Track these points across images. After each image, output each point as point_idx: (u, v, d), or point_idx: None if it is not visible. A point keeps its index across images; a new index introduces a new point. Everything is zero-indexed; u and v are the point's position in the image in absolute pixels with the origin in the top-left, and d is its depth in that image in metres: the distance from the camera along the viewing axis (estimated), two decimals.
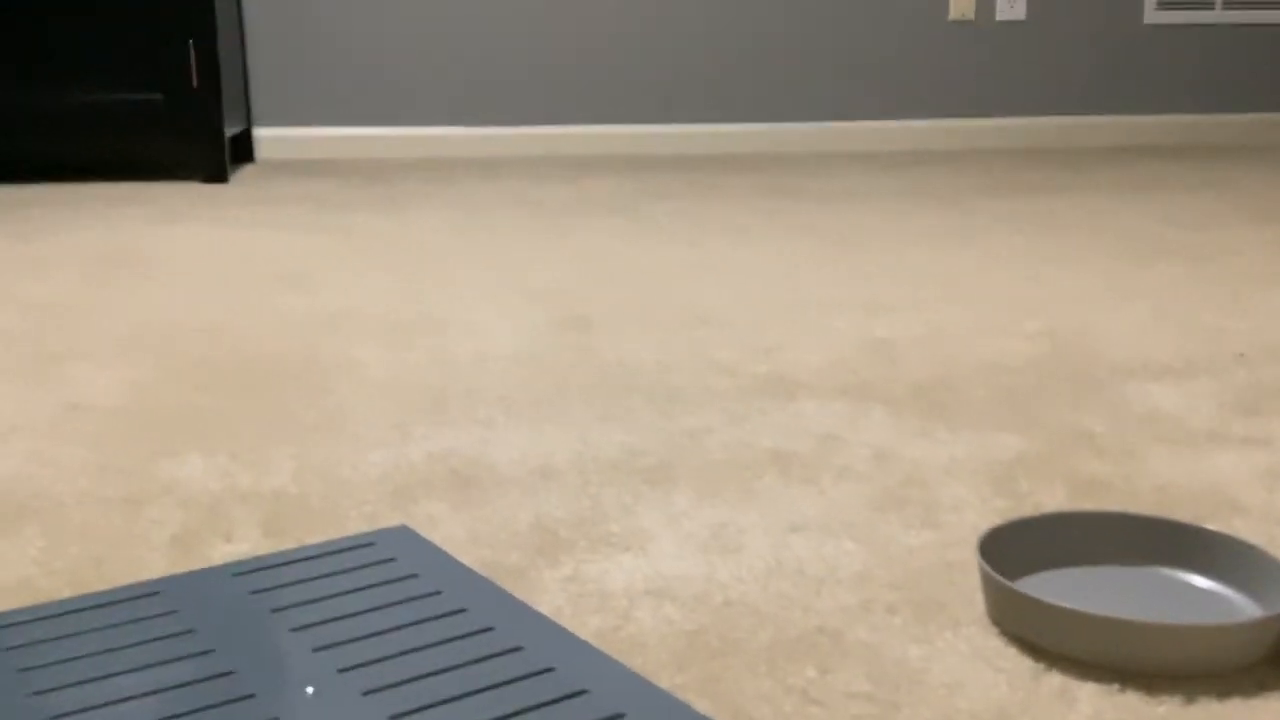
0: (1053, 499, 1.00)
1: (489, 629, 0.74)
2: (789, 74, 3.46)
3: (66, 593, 0.82)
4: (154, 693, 0.67)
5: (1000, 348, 1.46)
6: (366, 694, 0.67)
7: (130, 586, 0.80)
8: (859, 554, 0.89)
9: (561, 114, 3.40)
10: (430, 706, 0.66)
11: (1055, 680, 0.72)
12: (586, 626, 0.78)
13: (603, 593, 0.83)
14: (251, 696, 0.67)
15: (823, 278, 1.86)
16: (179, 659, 0.71)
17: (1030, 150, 3.49)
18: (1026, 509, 0.97)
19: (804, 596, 0.83)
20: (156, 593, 0.79)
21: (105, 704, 0.66)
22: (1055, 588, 0.82)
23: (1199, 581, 0.82)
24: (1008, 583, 0.76)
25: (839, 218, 2.39)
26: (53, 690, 0.67)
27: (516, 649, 0.72)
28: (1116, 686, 0.71)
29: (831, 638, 0.77)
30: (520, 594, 0.83)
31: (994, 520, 0.95)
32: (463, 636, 0.73)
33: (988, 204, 2.55)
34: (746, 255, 2.03)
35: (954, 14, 3.48)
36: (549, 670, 0.69)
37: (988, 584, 0.78)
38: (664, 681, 0.71)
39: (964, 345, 1.47)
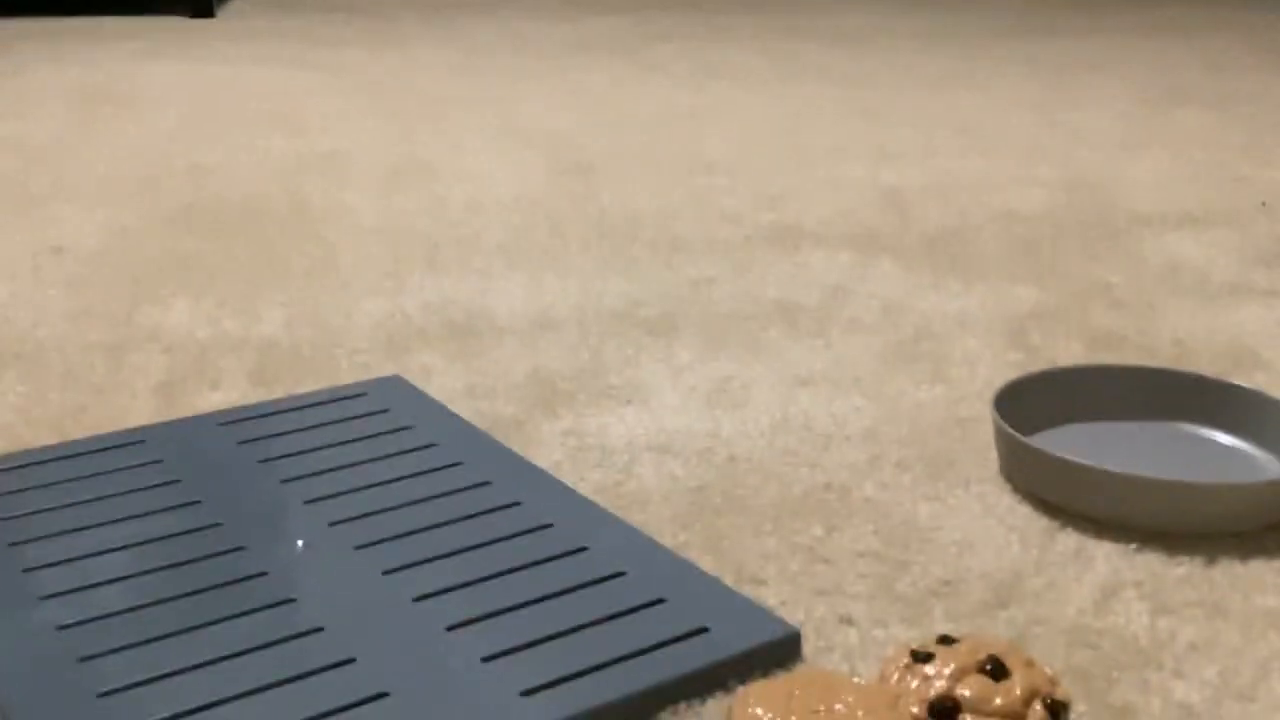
0: (1068, 353, 0.96)
1: (486, 483, 0.72)
2: None
3: (47, 440, 0.80)
4: (138, 544, 0.65)
5: (1014, 196, 1.41)
6: (358, 548, 0.65)
7: (113, 434, 0.77)
8: (868, 409, 0.87)
9: None
10: (424, 561, 0.63)
11: (1071, 539, 0.69)
12: (586, 482, 0.76)
13: (603, 447, 0.80)
14: (240, 549, 0.64)
15: (831, 123, 1.79)
16: (164, 509, 0.68)
17: None
18: (1041, 363, 0.94)
19: (811, 453, 0.80)
20: (141, 441, 0.76)
21: (86, 555, 0.63)
22: (1071, 443, 0.79)
23: (1221, 438, 0.80)
24: (1022, 438, 0.73)
25: (848, 60, 2.30)
26: (31, 540, 0.65)
27: (514, 504, 0.69)
28: (1134, 546, 0.69)
29: (839, 495, 0.75)
30: (518, 448, 0.80)
31: (1008, 375, 0.92)
32: (458, 491, 0.71)
33: (1002, 47, 2.46)
34: (752, 99, 1.95)
35: None
36: (547, 526, 0.67)
37: (1001, 439, 0.76)
38: (666, 539, 0.69)
39: (977, 194, 1.42)
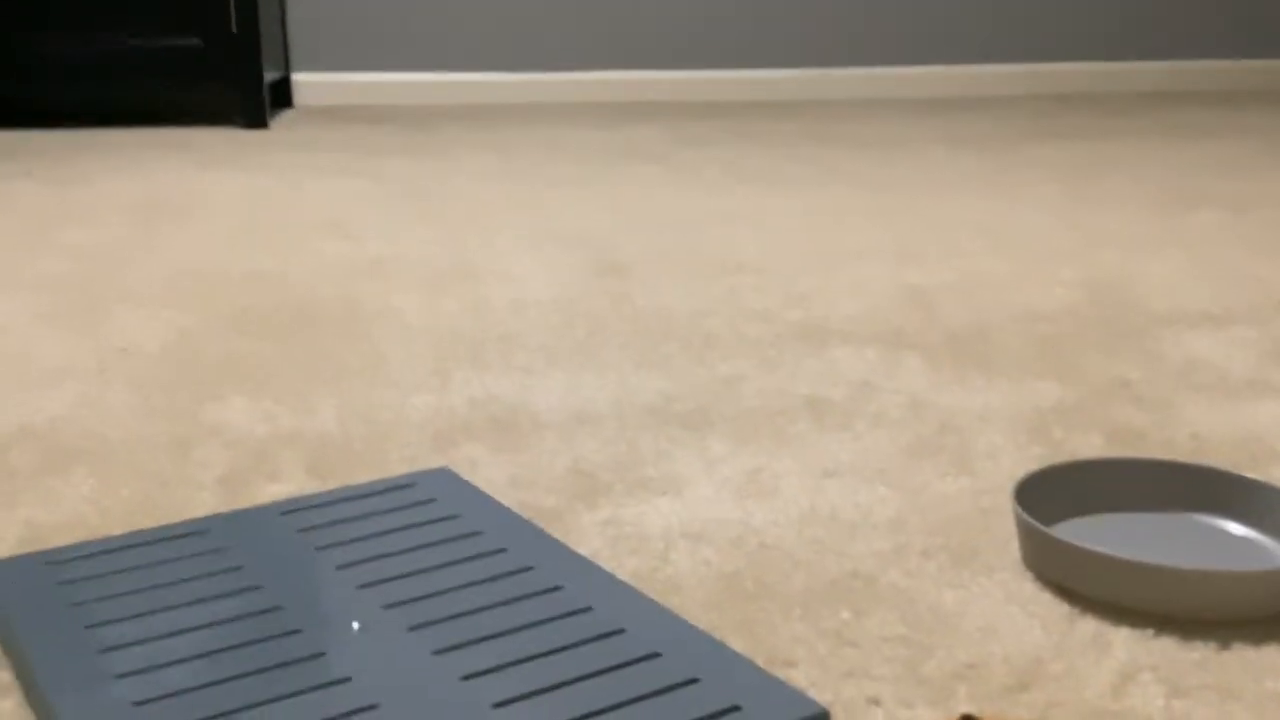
0: (1089, 447, 1.00)
1: (529, 568, 0.76)
2: (824, 17, 3.42)
3: (117, 531, 0.84)
4: (204, 627, 0.69)
5: (1036, 295, 1.46)
6: (412, 629, 0.69)
7: (179, 524, 0.82)
8: (893, 500, 0.90)
9: (599, 59, 3.39)
10: (473, 642, 0.67)
11: (1090, 625, 0.72)
12: (624, 568, 0.80)
13: (640, 535, 0.84)
14: (299, 631, 0.69)
15: (858, 225, 1.85)
16: (228, 594, 0.73)
17: (1066, 96, 3.44)
18: (1062, 456, 0.98)
19: (838, 541, 0.84)
20: (205, 530, 0.81)
21: (157, 637, 0.68)
22: (1090, 534, 0.82)
23: (1235, 528, 0.83)
24: (1043, 528, 0.76)
25: (874, 164, 2.37)
26: (107, 623, 0.69)
27: (556, 588, 0.73)
28: (1151, 632, 0.72)
29: (865, 582, 0.78)
30: (559, 536, 0.84)
31: (1029, 467, 0.96)
32: (503, 575, 0.75)
33: (1024, 150, 2.53)
34: (781, 202, 2.02)
35: None
36: (587, 609, 0.71)
37: (1023, 529, 0.79)
38: (700, 622, 0.73)
39: (1000, 293, 1.47)
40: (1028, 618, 0.73)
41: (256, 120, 2.89)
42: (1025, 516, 0.78)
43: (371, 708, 0.61)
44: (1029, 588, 0.77)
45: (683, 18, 3.38)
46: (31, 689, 0.65)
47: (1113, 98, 3.41)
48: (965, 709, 0.64)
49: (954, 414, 1.07)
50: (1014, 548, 0.82)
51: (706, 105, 3.30)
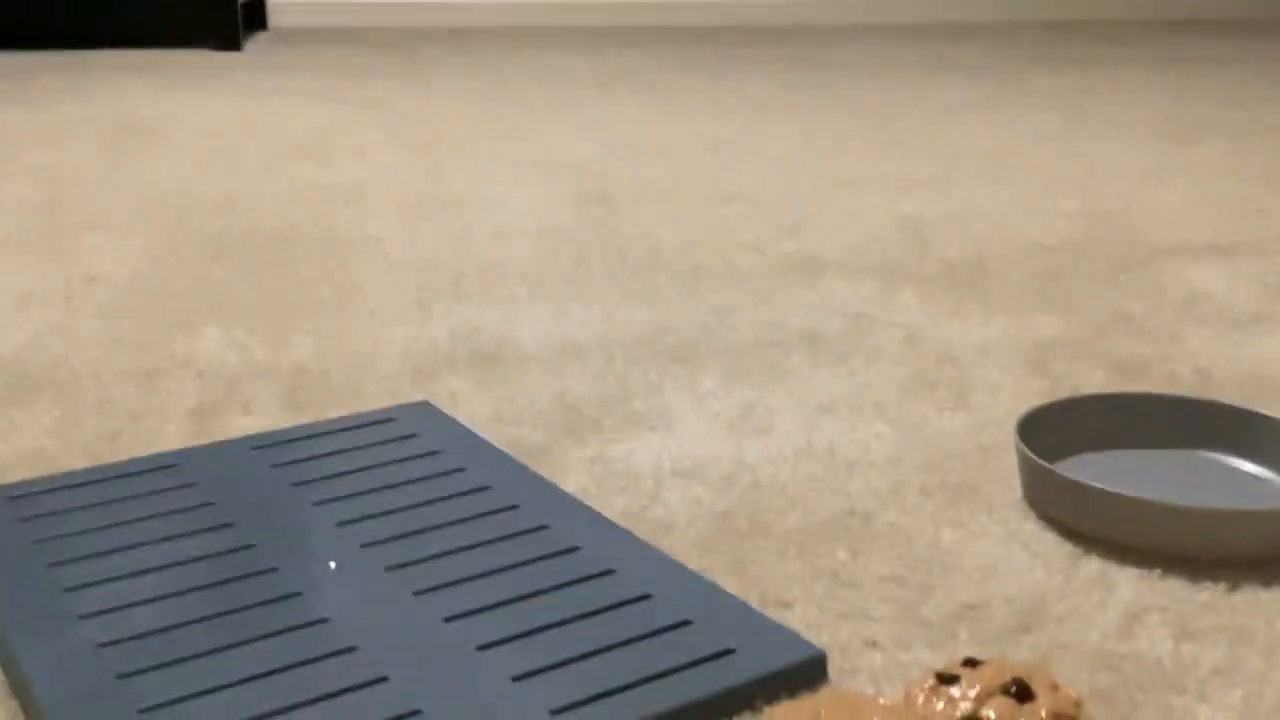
0: (1091, 381, 0.97)
1: (513, 506, 0.73)
2: None
3: (82, 464, 0.81)
4: (172, 565, 0.66)
5: (1035, 226, 1.42)
6: (390, 569, 0.66)
7: (148, 458, 0.79)
8: (890, 436, 0.87)
9: None
10: (455, 583, 0.64)
11: (1094, 565, 0.70)
12: (612, 507, 0.77)
13: (629, 472, 0.81)
14: (274, 570, 0.65)
15: (851, 154, 1.80)
16: (198, 531, 0.69)
17: (1064, 23, 3.37)
18: (1063, 391, 0.95)
19: (834, 479, 0.81)
20: (175, 465, 0.78)
21: (123, 576, 0.65)
22: (1094, 471, 0.79)
23: (1244, 465, 0.80)
24: (1045, 464, 0.74)
25: (867, 92, 2.32)
26: (70, 561, 0.66)
27: (542, 527, 0.70)
28: (1158, 572, 0.69)
29: (862, 520, 0.75)
30: (545, 473, 0.81)
31: (1030, 403, 0.93)
32: (487, 514, 0.72)
33: (1022, 78, 2.47)
34: (772, 130, 1.97)
35: None
36: (575, 549, 0.68)
37: (1025, 466, 0.76)
38: (691, 563, 0.70)
39: (998, 224, 1.43)
40: (1030, 557, 0.71)
41: (229, 42, 2.81)
42: (1028, 452, 0.75)
43: (350, 650, 0.59)
44: (1031, 526, 0.74)
45: None
46: None
47: (1110, 25, 3.35)
48: (966, 653, 0.62)
49: (952, 348, 1.04)
50: (1015, 485, 0.80)
51: (695, 30, 3.22)
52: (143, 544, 0.68)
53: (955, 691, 0.54)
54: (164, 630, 0.60)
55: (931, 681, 0.55)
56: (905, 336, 1.07)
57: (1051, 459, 0.80)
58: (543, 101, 2.22)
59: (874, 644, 0.62)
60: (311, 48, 2.87)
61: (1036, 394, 0.94)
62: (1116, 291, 1.19)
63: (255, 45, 2.93)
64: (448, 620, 0.61)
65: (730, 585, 0.68)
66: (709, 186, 1.60)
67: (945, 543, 0.73)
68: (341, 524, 0.71)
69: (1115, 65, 2.67)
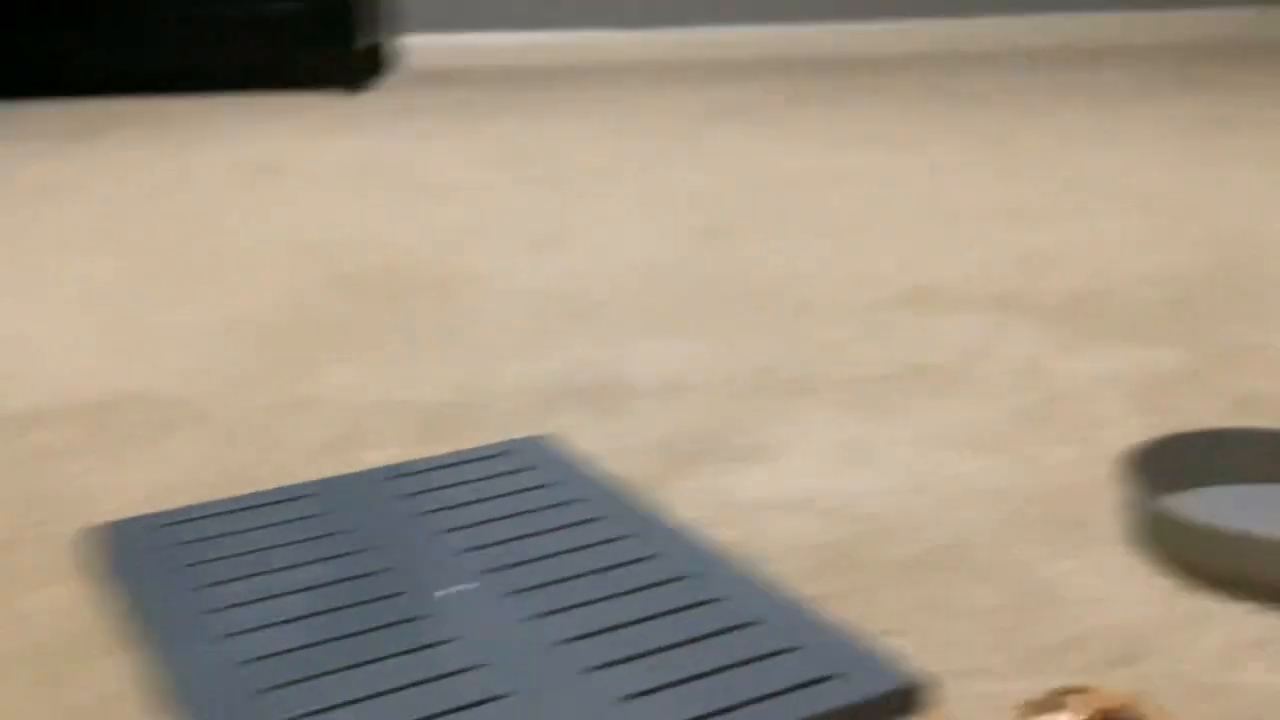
0: (1211, 414, 0.96)
1: (625, 536, 0.76)
2: None
3: (229, 493, 0.87)
4: (310, 588, 0.71)
5: (1160, 256, 1.41)
6: (509, 594, 0.69)
7: (288, 488, 0.84)
8: (999, 469, 0.88)
9: (707, 14, 3.35)
10: (569, 609, 0.68)
11: (1198, 599, 0.70)
12: (720, 537, 0.79)
13: (736, 504, 0.84)
14: (402, 594, 0.70)
15: (969, 183, 1.80)
16: (333, 557, 0.74)
17: (1196, 46, 3.30)
18: (1182, 425, 0.94)
19: (941, 511, 0.82)
20: (313, 494, 0.83)
21: (264, 598, 0.70)
22: (1207, 505, 0.79)
23: None
24: (1149, 498, 0.74)
25: (989, 120, 2.31)
26: (216, 584, 0.71)
27: (651, 556, 0.73)
28: (1261, 606, 0.69)
29: (968, 552, 0.77)
30: (654, 504, 0.84)
31: (1145, 436, 0.93)
32: (599, 543, 0.75)
33: (1152, 103, 2.44)
34: (889, 160, 1.98)
35: None
36: (683, 578, 0.71)
37: (1131, 500, 0.77)
38: (798, 592, 0.72)
39: (1119, 254, 1.42)
40: (1134, 590, 0.71)
41: (357, 84, 2.93)
42: (1134, 487, 0.76)
43: (471, 669, 0.62)
44: (1136, 560, 0.75)
45: None
46: (146, 646, 0.67)
47: (1241, 48, 3.27)
48: (1062, 682, 0.63)
49: (1067, 380, 1.05)
50: (1122, 520, 0.80)
51: (816, 61, 3.24)
52: (284, 568, 0.73)
53: (1063, 718, 0.55)
54: (302, 648, 0.65)
55: (1037, 710, 0.56)
56: (1019, 369, 1.08)
57: (1164, 493, 0.80)
58: (664, 136, 2.27)
59: (978, 673, 0.64)
60: (437, 88, 2.98)
61: (1152, 427, 0.94)
62: (1241, 323, 1.18)
63: (382, 87, 3.05)
64: (561, 643, 0.64)
65: (835, 614, 0.70)
66: (825, 218, 1.62)
67: (1050, 575, 0.73)
68: (465, 551, 0.75)
69: (1238, 90, 2.61)
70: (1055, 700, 0.56)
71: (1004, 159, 1.98)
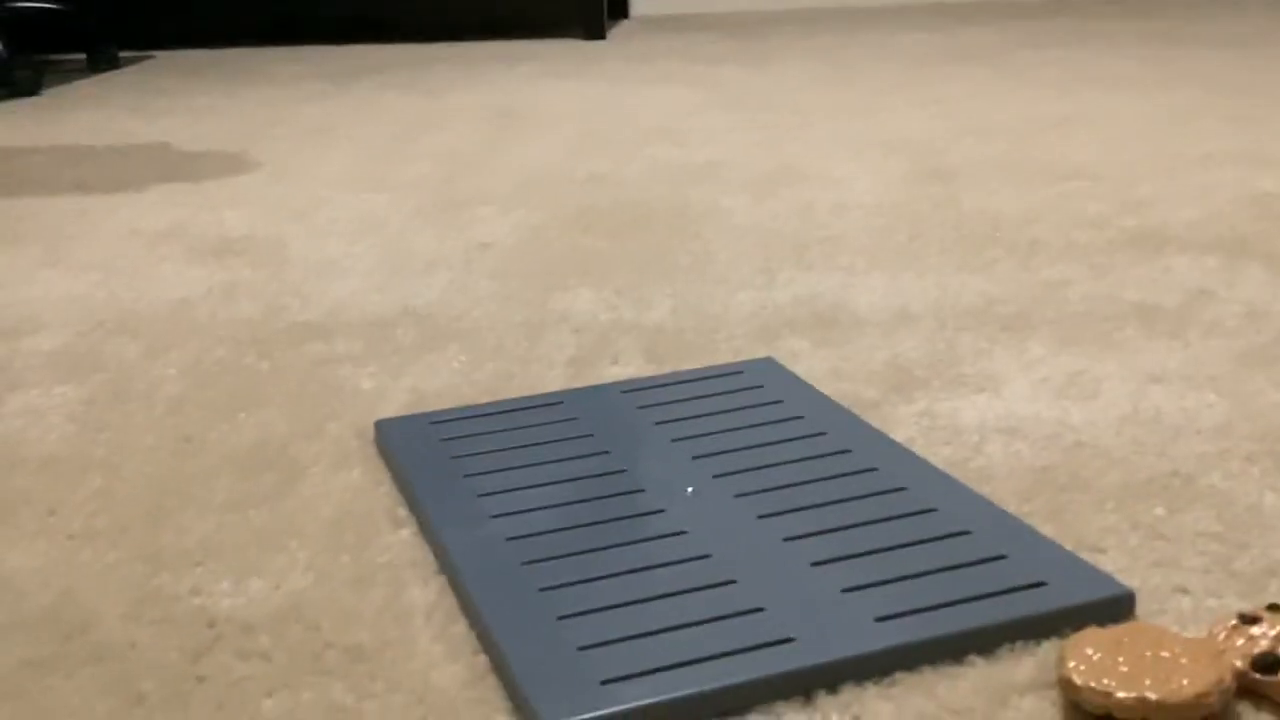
0: None
1: (847, 450, 0.82)
2: None
3: (485, 399, 0.97)
4: (561, 482, 0.79)
5: None
6: (738, 496, 0.76)
7: (537, 396, 0.93)
8: (1220, 406, 0.89)
9: None
10: (793, 510, 0.74)
11: None
12: (937, 456, 0.84)
13: (955, 427, 0.88)
14: (641, 491, 0.78)
15: (1207, 129, 1.75)
16: (579, 457, 0.83)
17: None
18: None
19: (1159, 442, 0.84)
20: (560, 402, 0.92)
21: (522, 488, 0.79)
22: None
23: None
24: None
25: (1227, 66, 2.21)
26: (481, 474, 0.81)
27: (872, 469, 0.79)
28: None
29: (1184, 481, 0.79)
30: (876, 424, 0.89)
31: None
32: (823, 456, 0.81)
33: None
34: (1122, 105, 1.94)
35: None
36: (901, 489, 0.76)
37: None
38: (1010, 509, 0.76)
39: None
40: None
41: (595, 31, 3.03)
42: None
43: (704, 557, 0.69)
44: None
45: None
46: (424, 524, 0.77)
47: None
48: (1275, 600, 0.65)
49: None
50: None
51: (1043, 4, 3.15)
52: (536, 464, 0.82)
53: (1256, 630, 0.58)
54: (556, 530, 0.73)
55: (1234, 621, 0.59)
56: (1247, 312, 1.07)
57: None
58: (888, 80, 2.27)
59: (1184, 590, 0.67)
60: (669, 35, 3.05)
61: None
62: None
63: (617, 33, 3.14)
64: (786, 540, 0.71)
65: (1046, 531, 0.73)
66: (1051, 163, 1.61)
67: (1266, 505, 0.75)
68: (696, 457, 0.82)
69: None
70: (1255, 615, 0.59)
71: (1244, 106, 1.91)
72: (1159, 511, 0.75)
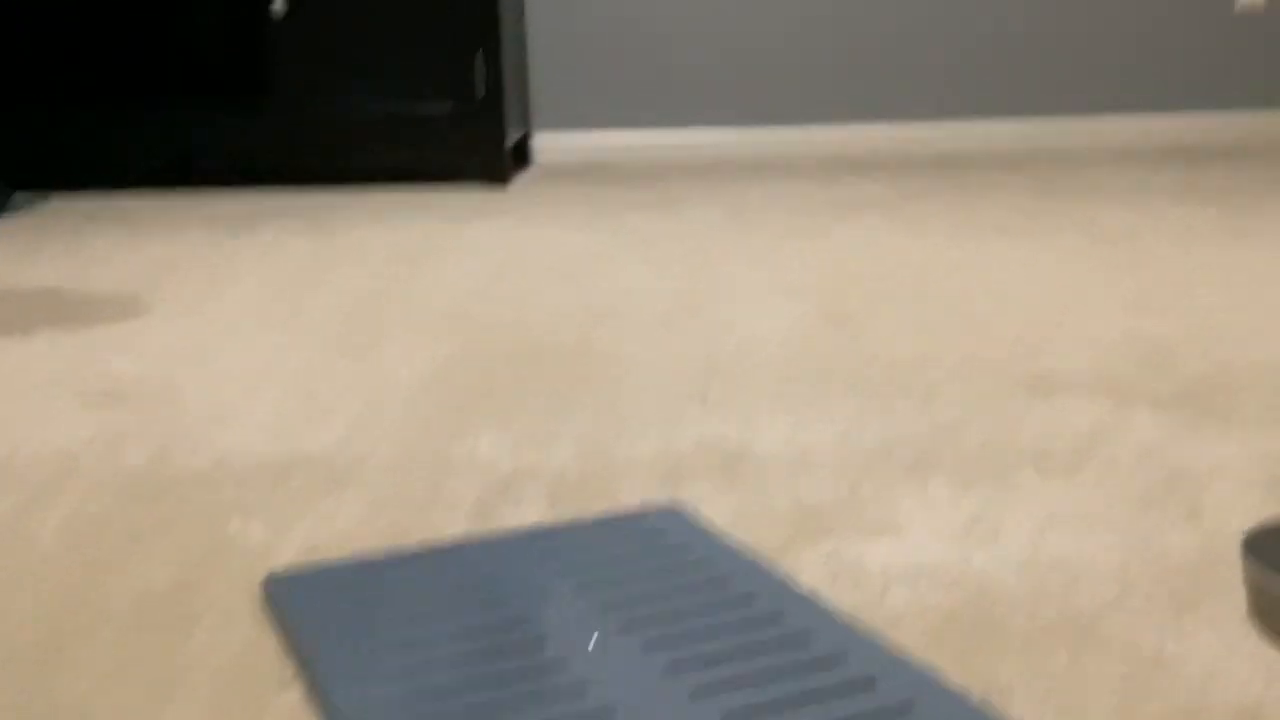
0: None
1: (751, 596, 0.81)
2: (1048, 67, 3.36)
3: (383, 547, 0.94)
4: (459, 636, 0.77)
5: (1278, 346, 1.41)
6: (645, 648, 0.74)
7: (437, 545, 0.91)
8: (1117, 548, 0.90)
9: (823, 113, 3.44)
10: (700, 664, 0.72)
11: None
12: (843, 601, 0.83)
13: (860, 572, 0.88)
14: (543, 642, 0.75)
15: (1088, 276, 1.82)
16: (481, 607, 0.80)
17: None
18: None
19: (1059, 586, 0.85)
20: (460, 550, 0.89)
21: (418, 644, 0.76)
22: None
23: None
24: (1268, 574, 0.76)
25: (1104, 216, 2.32)
26: (375, 629, 0.78)
27: (776, 614, 0.78)
28: None
29: (1086, 626, 0.79)
30: (782, 571, 0.88)
31: (1263, 517, 0.94)
32: (727, 603, 0.80)
33: (1265, 202, 2.42)
34: (1009, 253, 2.01)
35: (1239, 7, 3.30)
36: (806, 637, 0.75)
37: (1249, 578, 0.78)
38: (918, 655, 0.75)
39: (1239, 345, 1.43)
40: (1251, 666, 0.73)
41: (498, 177, 3.07)
42: (1251, 563, 0.78)
43: (608, 711, 0.67)
44: (1254, 639, 0.76)
45: (904, 71, 3.40)
46: (314, 684, 0.73)
47: None
48: None
49: (1185, 465, 1.06)
50: (1241, 599, 0.82)
51: (930, 158, 3.29)
52: (434, 617, 0.79)
53: None
54: (453, 690, 0.70)
55: None
56: (1138, 454, 1.09)
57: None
58: (786, 227, 2.33)
59: None
60: (571, 182, 3.11)
61: (1273, 509, 0.95)
62: None
63: (520, 180, 3.19)
64: (693, 698, 0.69)
65: (955, 676, 0.73)
66: (944, 306, 1.66)
67: (1167, 651, 0.76)
68: (600, 608, 0.80)
69: None
70: None
71: (1124, 253, 2.00)
72: (1062, 658, 0.75)
